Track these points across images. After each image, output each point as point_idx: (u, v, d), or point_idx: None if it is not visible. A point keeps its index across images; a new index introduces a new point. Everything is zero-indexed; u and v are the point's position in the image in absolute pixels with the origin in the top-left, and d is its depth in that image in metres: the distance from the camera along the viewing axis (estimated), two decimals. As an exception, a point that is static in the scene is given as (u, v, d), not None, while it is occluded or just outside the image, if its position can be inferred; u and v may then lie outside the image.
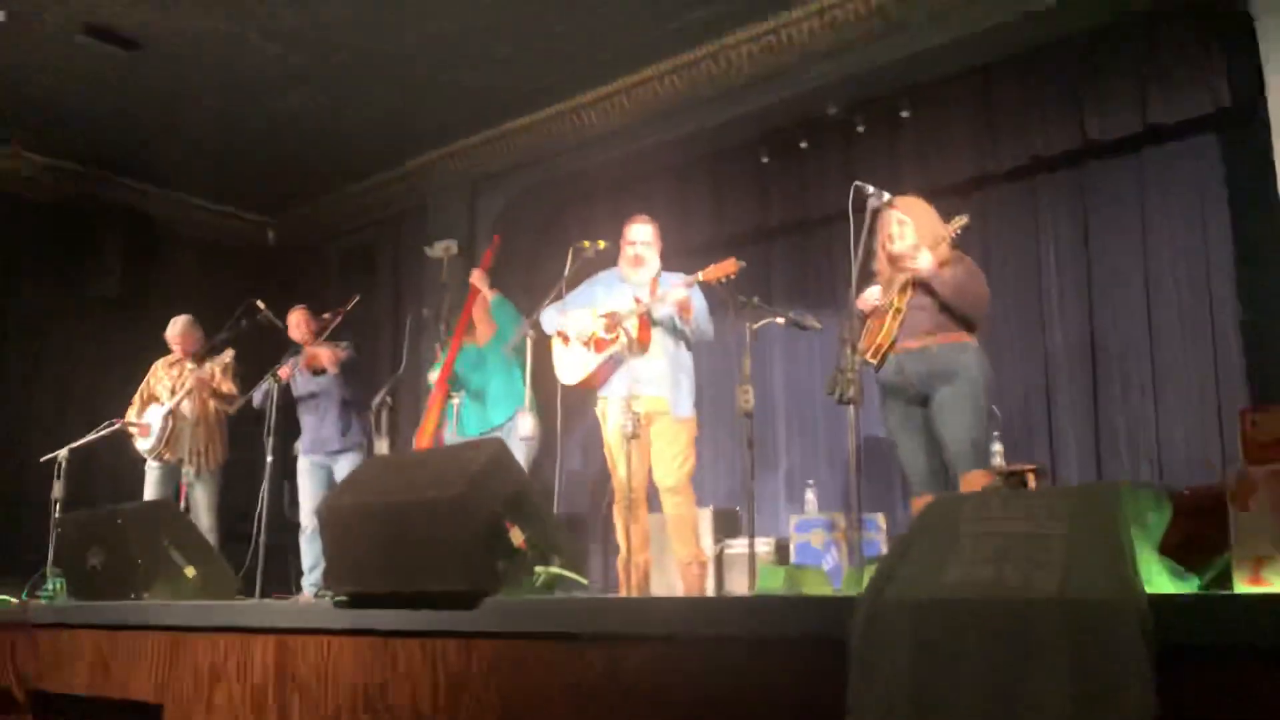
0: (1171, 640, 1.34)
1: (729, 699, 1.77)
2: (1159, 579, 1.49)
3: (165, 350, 6.23)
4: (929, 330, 3.85)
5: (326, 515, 2.58)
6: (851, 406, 3.59)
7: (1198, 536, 1.58)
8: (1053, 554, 1.48)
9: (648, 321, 4.47)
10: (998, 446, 5.07)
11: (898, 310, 3.88)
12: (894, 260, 3.98)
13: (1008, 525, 1.57)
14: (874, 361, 3.92)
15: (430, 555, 2.28)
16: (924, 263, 3.83)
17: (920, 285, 3.87)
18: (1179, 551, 1.56)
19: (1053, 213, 5.79)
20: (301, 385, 5.84)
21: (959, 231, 3.89)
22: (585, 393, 4.79)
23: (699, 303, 4.52)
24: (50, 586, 4.13)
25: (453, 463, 2.40)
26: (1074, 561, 1.45)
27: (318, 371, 5.83)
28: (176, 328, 6.13)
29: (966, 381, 3.79)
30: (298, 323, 5.87)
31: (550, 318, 4.67)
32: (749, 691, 1.76)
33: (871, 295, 3.97)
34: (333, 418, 5.81)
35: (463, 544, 2.23)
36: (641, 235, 4.66)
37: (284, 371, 5.47)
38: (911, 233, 3.95)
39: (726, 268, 4.32)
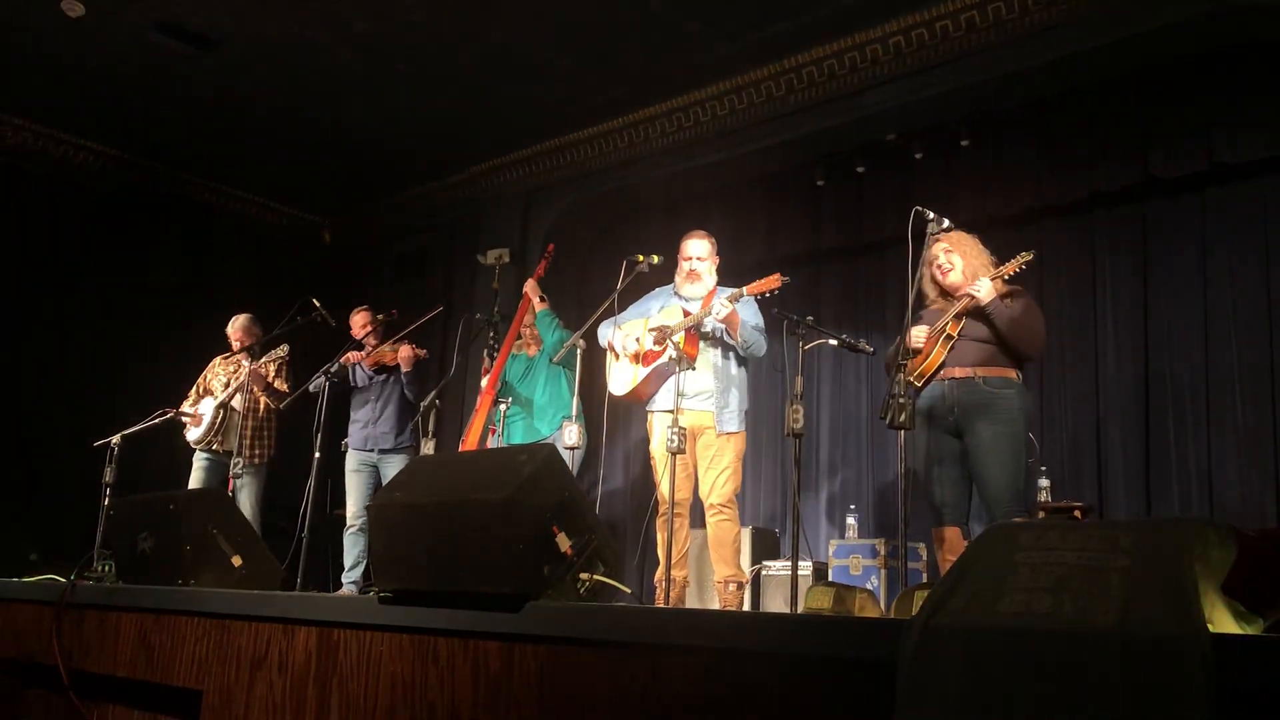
0: (1233, 682, 1.32)
1: (773, 717, 1.76)
2: (1222, 619, 1.46)
3: (222, 343, 6.32)
4: (977, 361, 3.83)
5: (376, 511, 2.60)
6: (901, 432, 3.58)
7: (1263, 578, 1.54)
8: (1113, 587, 1.45)
9: (695, 336, 4.48)
10: (1045, 482, 5.01)
11: (949, 337, 3.85)
12: (949, 290, 3.98)
13: (1067, 556, 1.54)
14: (918, 384, 3.89)
15: (477, 556, 2.29)
16: (983, 291, 3.79)
17: (977, 314, 3.84)
18: (1242, 593, 1.53)
19: (1111, 249, 5.71)
20: (361, 381, 5.91)
21: (1023, 267, 3.86)
22: (633, 405, 4.81)
23: (752, 317, 4.52)
24: (98, 568, 4.20)
25: (504, 466, 2.40)
26: (1135, 596, 1.42)
27: (380, 369, 5.89)
28: (238, 324, 6.22)
29: (1007, 420, 3.77)
30: (363, 323, 5.94)
31: (605, 331, 4.70)
32: (793, 710, 1.74)
33: (919, 334, 3.94)
34: (389, 416, 5.85)
35: (510, 547, 2.24)
36: (698, 250, 4.68)
37: (351, 357, 5.52)
38: (960, 262, 3.96)
39: (771, 282, 4.39)
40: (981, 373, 3.82)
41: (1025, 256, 3.87)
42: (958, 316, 3.87)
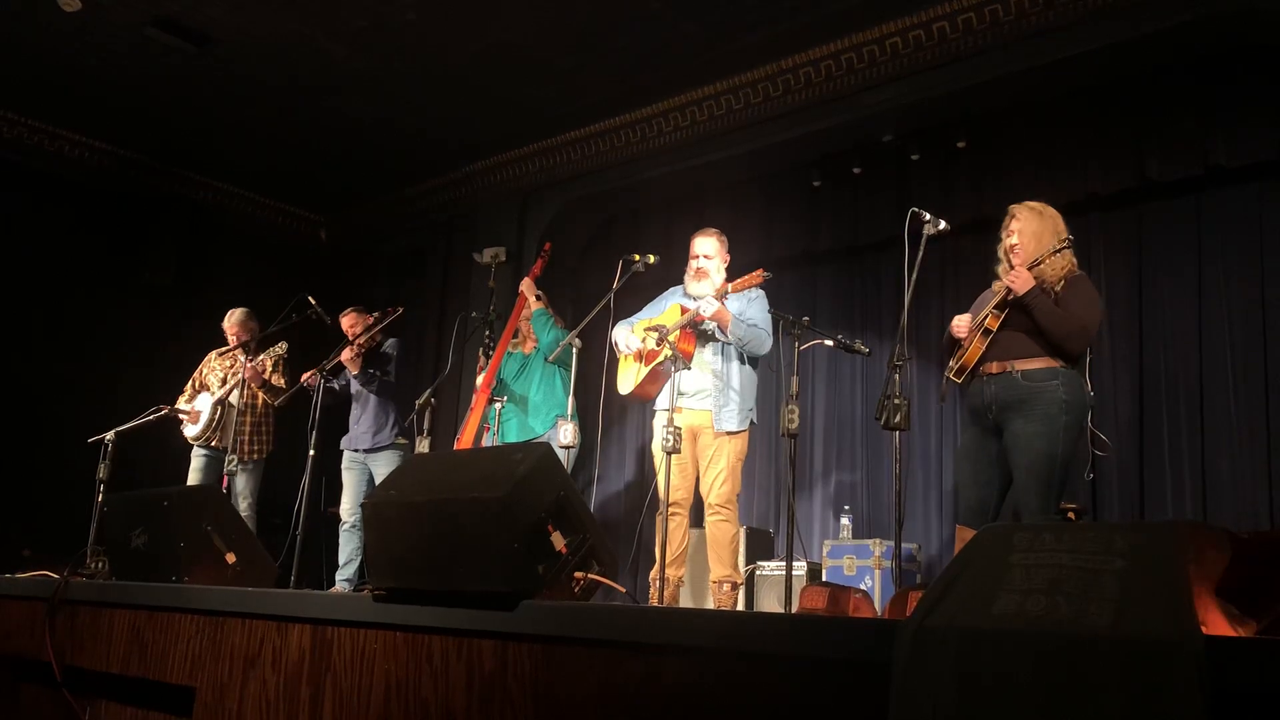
0: (1228, 684, 1.32)
1: (767, 717, 1.76)
2: (1216, 621, 1.47)
3: (216, 340, 6.32)
4: (1016, 354, 3.68)
5: (370, 509, 2.60)
6: (897, 433, 3.57)
7: (1257, 581, 1.55)
8: (1107, 589, 1.45)
9: (690, 334, 4.48)
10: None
11: (987, 331, 3.72)
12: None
13: (1061, 558, 1.54)
14: (958, 381, 3.81)
15: (471, 554, 2.29)
16: (1019, 284, 3.66)
17: (1019, 305, 3.70)
18: (1236, 595, 1.53)
19: (1106, 252, 5.71)
20: (355, 384, 5.94)
21: (1056, 253, 3.70)
22: (629, 404, 4.81)
23: (757, 315, 4.50)
24: (92, 565, 4.19)
25: (499, 464, 2.40)
26: (1129, 598, 1.42)
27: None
28: (234, 319, 6.21)
29: (1045, 417, 3.59)
30: (350, 324, 5.94)
31: (618, 331, 4.71)
32: (787, 711, 1.74)
33: (961, 321, 3.84)
34: (368, 417, 5.89)
35: (505, 545, 2.23)
36: (705, 248, 4.68)
37: (307, 376, 5.53)
38: (1023, 243, 3.79)
39: (754, 278, 4.38)
40: (1020, 366, 3.66)
41: (1061, 245, 3.70)
42: (997, 309, 3.73)
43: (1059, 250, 3.70)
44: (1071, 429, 3.63)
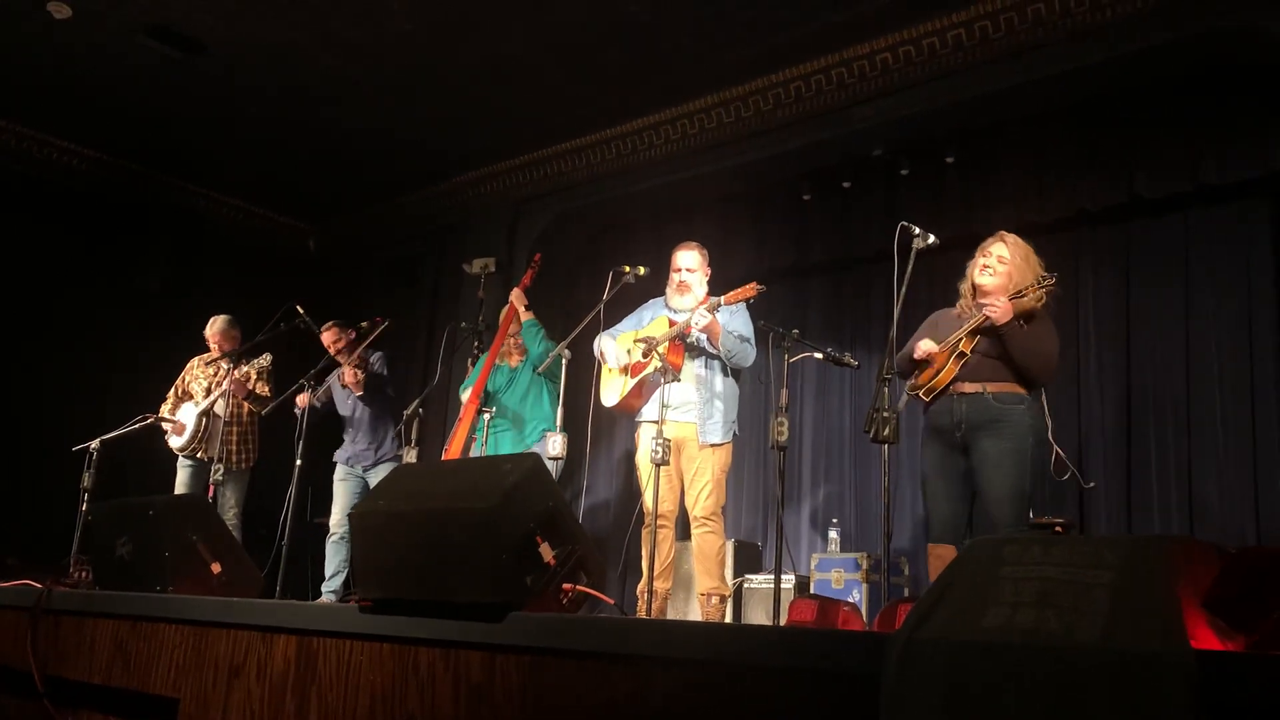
0: (1216, 698, 1.32)
1: (755, 729, 1.75)
2: (1205, 635, 1.46)
3: (203, 348, 6.29)
4: (987, 377, 3.80)
5: (358, 519, 2.58)
6: (885, 447, 3.58)
7: (1245, 595, 1.55)
8: (1097, 603, 1.45)
9: (679, 346, 4.48)
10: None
11: (961, 353, 3.82)
12: (978, 291, 3.93)
13: (1051, 571, 1.55)
14: (926, 399, 3.88)
15: (460, 565, 2.27)
16: (999, 312, 3.75)
17: (991, 332, 3.81)
18: (1224, 609, 1.53)
19: (1094, 268, 5.74)
20: (340, 399, 5.90)
21: (1043, 296, 3.81)
22: (617, 415, 4.80)
23: (740, 327, 4.52)
24: (75, 574, 4.16)
25: (488, 475, 2.39)
26: (1119, 611, 1.42)
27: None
28: (216, 326, 6.19)
29: (1013, 436, 3.73)
30: (331, 340, 5.89)
31: (601, 342, 4.71)
32: (776, 723, 1.73)
33: (926, 346, 3.92)
34: (365, 434, 5.86)
35: (493, 556, 2.22)
36: (687, 261, 4.69)
37: (301, 399, 5.49)
38: (1006, 273, 3.89)
39: (747, 291, 4.40)
40: (991, 389, 3.80)
41: (1048, 282, 3.79)
42: (972, 333, 3.84)
43: (1045, 286, 3.80)
44: (1038, 449, 3.80)
